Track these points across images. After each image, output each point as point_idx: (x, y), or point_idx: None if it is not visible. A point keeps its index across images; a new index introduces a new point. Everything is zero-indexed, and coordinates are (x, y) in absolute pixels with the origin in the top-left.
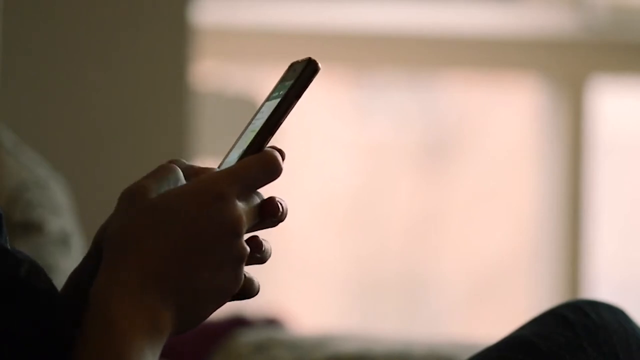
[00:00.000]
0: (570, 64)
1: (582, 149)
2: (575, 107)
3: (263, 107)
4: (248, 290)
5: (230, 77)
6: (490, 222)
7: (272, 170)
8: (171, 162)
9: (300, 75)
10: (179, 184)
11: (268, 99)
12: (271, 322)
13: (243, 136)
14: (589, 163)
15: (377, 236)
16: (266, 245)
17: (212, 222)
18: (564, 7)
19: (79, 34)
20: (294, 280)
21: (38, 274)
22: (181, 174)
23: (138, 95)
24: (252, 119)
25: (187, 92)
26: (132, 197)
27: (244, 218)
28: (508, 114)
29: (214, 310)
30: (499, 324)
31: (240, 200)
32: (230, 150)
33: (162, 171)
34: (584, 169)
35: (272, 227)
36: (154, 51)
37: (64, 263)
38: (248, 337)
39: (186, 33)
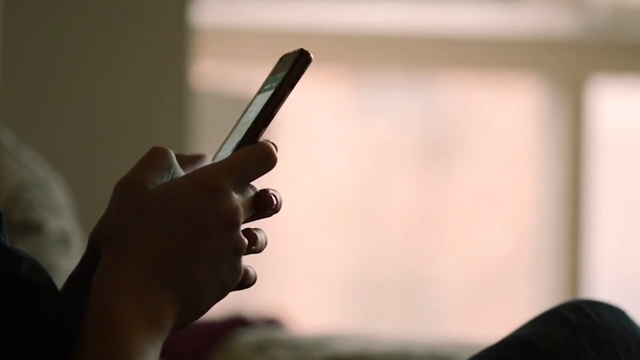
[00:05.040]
0: (570, 64)
1: (582, 149)
2: (575, 107)
3: (255, 100)
4: (245, 280)
5: (230, 77)
6: (490, 222)
7: (267, 160)
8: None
9: (293, 66)
10: (173, 170)
11: (260, 91)
12: (271, 322)
13: (235, 129)
14: (589, 163)
15: (377, 236)
16: (260, 236)
17: (209, 215)
18: (564, 7)
19: (79, 34)
20: (294, 280)
21: (38, 272)
22: (174, 158)
23: (138, 95)
24: (244, 113)
25: (186, 92)
26: (128, 190)
27: (241, 210)
28: (508, 114)
29: (215, 304)
30: (499, 324)
31: (236, 192)
32: (223, 143)
33: (156, 158)
34: (584, 169)
35: (267, 217)
36: (154, 51)
37: (64, 263)
38: (248, 337)
39: (186, 33)
